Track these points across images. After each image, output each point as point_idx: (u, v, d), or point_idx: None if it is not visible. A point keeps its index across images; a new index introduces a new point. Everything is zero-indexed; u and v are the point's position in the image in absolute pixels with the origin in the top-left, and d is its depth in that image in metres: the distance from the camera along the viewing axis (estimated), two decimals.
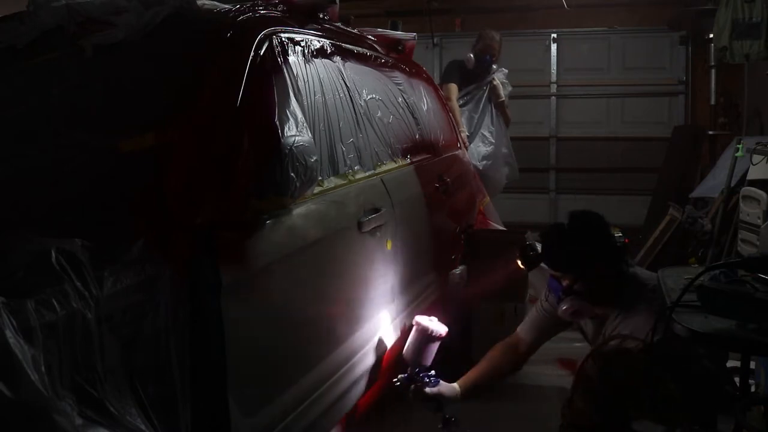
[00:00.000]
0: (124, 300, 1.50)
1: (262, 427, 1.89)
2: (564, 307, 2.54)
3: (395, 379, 2.61)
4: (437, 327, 2.57)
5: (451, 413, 2.56)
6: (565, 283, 2.46)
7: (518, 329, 2.85)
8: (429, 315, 2.65)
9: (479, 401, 3.33)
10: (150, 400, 1.51)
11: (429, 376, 2.57)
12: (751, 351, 2.23)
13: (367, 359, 2.51)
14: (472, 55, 5.17)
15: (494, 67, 5.24)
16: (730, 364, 2.85)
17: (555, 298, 2.60)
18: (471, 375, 2.75)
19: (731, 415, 2.32)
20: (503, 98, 5.23)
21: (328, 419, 2.24)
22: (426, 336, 2.56)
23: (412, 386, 2.59)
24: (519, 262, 2.67)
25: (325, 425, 2.23)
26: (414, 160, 3.27)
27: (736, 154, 4.53)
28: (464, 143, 4.69)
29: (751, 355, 2.49)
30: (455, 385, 2.67)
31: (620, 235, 2.48)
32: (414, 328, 2.60)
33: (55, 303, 1.35)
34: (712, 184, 5.18)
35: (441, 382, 2.61)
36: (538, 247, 2.61)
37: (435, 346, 2.58)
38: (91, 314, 1.40)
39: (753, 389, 2.84)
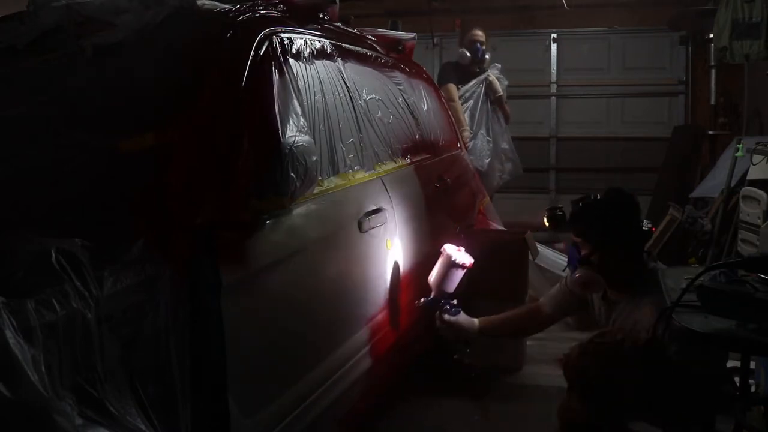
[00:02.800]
0: (124, 300, 1.50)
1: (262, 427, 1.89)
2: (576, 275, 2.55)
3: (418, 301, 2.70)
4: (463, 257, 2.65)
5: (469, 342, 2.70)
6: (583, 252, 2.47)
7: (541, 298, 2.87)
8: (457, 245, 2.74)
9: (479, 401, 3.34)
10: (150, 400, 1.51)
11: (451, 304, 2.66)
12: (751, 351, 2.23)
13: (367, 359, 2.51)
14: (464, 50, 5.21)
15: (487, 57, 5.26)
16: (730, 364, 2.85)
17: (572, 269, 2.62)
18: (492, 318, 2.80)
19: (731, 415, 2.33)
20: (501, 93, 5.24)
21: (328, 419, 2.24)
22: (451, 264, 2.63)
23: (437, 312, 2.70)
24: (545, 221, 2.69)
25: (325, 425, 2.23)
26: (414, 160, 3.27)
27: (736, 154, 4.54)
28: (465, 143, 4.69)
29: (751, 355, 2.49)
30: (475, 320, 2.73)
31: (648, 222, 2.49)
32: (441, 256, 2.66)
33: (55, 303, 1.35)
34: (712, 184, 5.18)
35: (461, 312, 2.69)
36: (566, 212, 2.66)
37: (459, 275, 2.65)
38: (91, 314, 1.40)
39: (753, 389, 2.84)
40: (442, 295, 2.68)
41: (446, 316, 2.70)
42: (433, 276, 2.70)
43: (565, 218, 2.64)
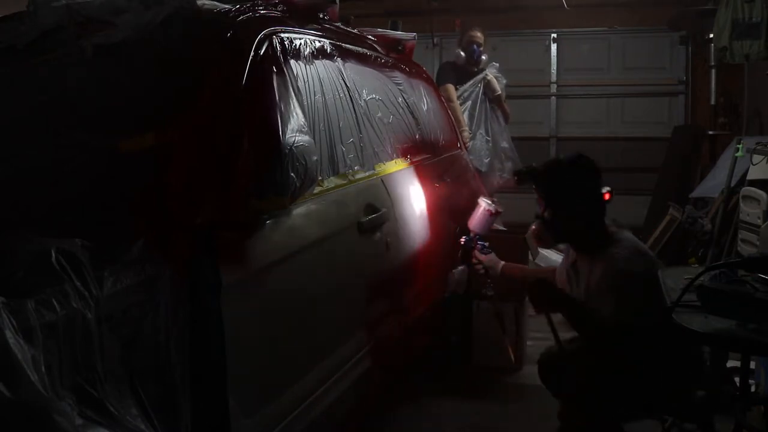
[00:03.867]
0: (124, 300, 1.50)
1: (262, 427, 1.89)
2: (532, 227, 2.88)
3: (461, 239, 3.26)
4: (494, 206, 3.20)
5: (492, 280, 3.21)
6: (541, 208, 2.58)
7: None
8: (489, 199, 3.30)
9: (479, 401, 3.34)
10: (150, 400, 1.51)
11: (483, 245, 3.19)
12: (751, 351, 2.23)
13: (367, 359, 2.51)
14: (460, 51, 5.22)
15: (484, 58, 5.26)
16: (730, 364, 2.85)
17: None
18: (514, 265, 3.21)
19: (731, 415, 2.33)
20: (499, 92, 5.24)
21: (328, 419, 2.24)
22: (485, 212, 3.19)
23: (473, 250, 3.21)
24: (515, 178, 2.84)
25: (325, 425, 2.23)
26: (414, 160, 3.27)
27: (736, 154, 4.53)
28: (464, 143, 4.69)
29: (751, 355, 2.49)
30: (501, 261, 3.16)
31: (608, 189, 2.54)
32: (477, 206, 3.22)
33: (55, 303, 1.35)
34: (712, 184, 5.18)
35: (492, 252, 3.19)
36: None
37: (491, 221, 3.22)
38: (91, 314, 1.40)
39: (753, 389, 2.84)
40: (478, 236, 3.20)
41: (478, 253, 3.18)
42: (472, 221, 3.22)
43: (530, 176, 2.73)
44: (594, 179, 2.54)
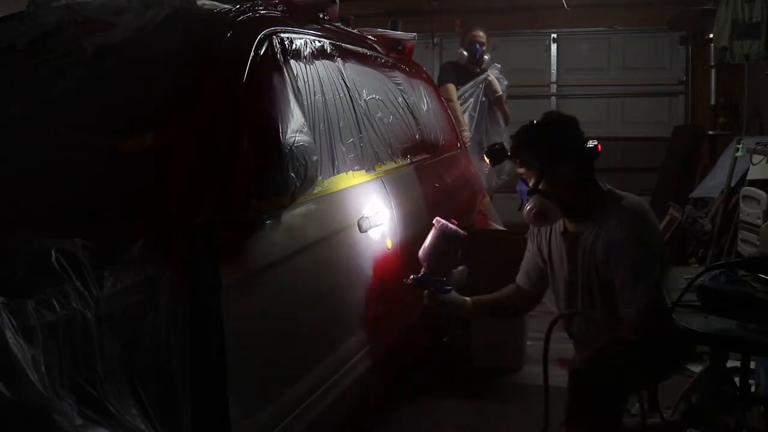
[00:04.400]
0: (124, 300, 1.50)
1: (262, 427, 1.89)
2: (528, 207, 2.37)
3: (406, 278, 2.52)
4: (456, 228, 2.50)
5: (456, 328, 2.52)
6: (531, 183, 2.35)
7: (516, 279, 2.69)
8: (450, 221, 2.57)
9: (479, 401, 3.34)
10: (150, 400, 1.51)
11: (442, 282, 2.48)
12: (751, 351, 2.23)
13: (367, 359, 2.51)
14: (462, 50, 5.22)
15: (486, 58, 5.26)
16: (730, 364, 2.85)
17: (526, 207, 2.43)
18: (483, 298, 2.67)
19: (731, 415, 2.33)
20: (500, 93, 5.24)
21: (328, 419, 2.24)
22: (444, 237, 2.48)
23: (426, 290, 2.52)
24: (486, 159, 2.57)
25: (325, 425, 2.23)
26: (414, 160, 3.27)
27: (736, 154, 4.53)
28: (464, 143, 4.69)
29: (751, 355, 2.49)
30: (467, 298, 2.59)
31: (595, 141, 2.34)
32: (434, 228, 2.51)
33: (55, 303, 1.35)
34: (712, 184, 5.18)
35: (453, 291, 2.53)
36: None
37: (450, 246, 2.49)
38: (91, 314, 1.40)
39: (753, 389, 2.84)
40: (433, 271, 2.49)
41: (439, 296, 2.52)
42: (424, 250, 2.50)
43: (504, 151, 2.53)
44: (575, 128, 2.35)
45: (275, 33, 2.22)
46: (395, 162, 3.03)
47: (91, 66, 2.12)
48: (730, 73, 6.28)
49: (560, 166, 2.31)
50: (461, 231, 2.52)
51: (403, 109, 3.34)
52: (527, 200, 2.41)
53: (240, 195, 1.84)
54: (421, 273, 2.51)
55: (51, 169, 1.85)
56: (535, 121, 2.43)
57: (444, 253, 2.49)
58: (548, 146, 2.31)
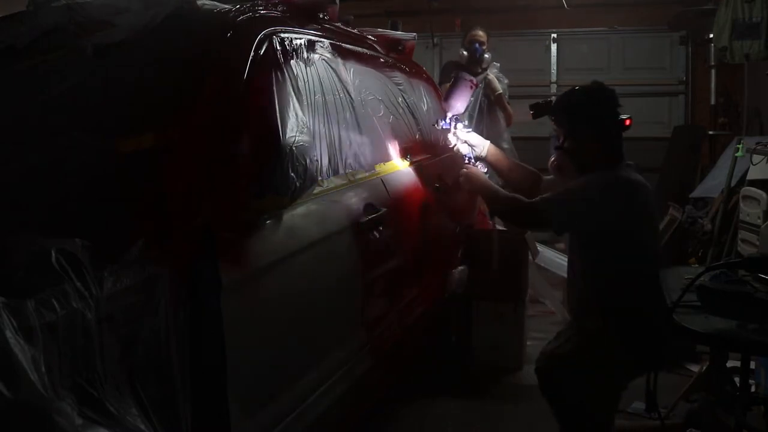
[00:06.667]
0: (124, 300, 1.50)
1: (262, 427, 1.89)
2: (551, 159, 2.81)
3: (435, 123, 3.20)
4: (470, 78, 3.14)
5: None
6: (560, 138, 2.59)
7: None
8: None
9: (479, 401, 3.33)
10: (150, 400, 1.50)
11: (463, 123, 3.11)
12: (751, 351, 2.23)
13: (367, 359, 2.51)
14: (463, 50, 5.22)
15: (487, 57, 5.26)
16: (730, 364, 2.85)
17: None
18: (501, 154, 3.12)
19: (731, 414, 2.33)
20: (500, 91, 5.24)
21: (328, 419, 2.24)
22: (462, 84, 3.11)
23: (452, 131, 3.13)
24: (531, 112, 2.81)
25: (325, 425, 2.23)
26: (414, 160, 3.27)
27: (736, 154, 4.53)
28: None
29: (751, 355, 2.49)
30: (487, 141, 3.09)
31: (627, 116, 2.58)
32: (457, 80, 3.12)
33: (55, 303, 1.35)
34: (712, 184, 5.18)
35: (473, 132, 3.12)
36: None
37: (468, 95, 3.18)
38: (91, 314, 1.40)
39: (753, 389, 2.84)
40: (456, 114, 3.11)
41: (459, 133, 3.09)
42: (447, 97, 3.16)
43: (548, 107, 2.75)
44: (613, 106, 2.56)
45: (275, 33, 2.22)
46: (395, 162, 3.03)
47: (91, 66, 2.11)
48: (730, 73, 6.29)
49: (584, 131, 2.53)
50: (473, 78, 3.18)
51: (403, 109, 3.34)
52: (554, 151, 2.77)
53: (240, 195, 1.84)
54: (449, 117, 3.13)
55: (51, 169, 1.85)
56: (577, 87, 2.68)
57: (462, 98, 3.12)
58: (578, 111, 2.56)
